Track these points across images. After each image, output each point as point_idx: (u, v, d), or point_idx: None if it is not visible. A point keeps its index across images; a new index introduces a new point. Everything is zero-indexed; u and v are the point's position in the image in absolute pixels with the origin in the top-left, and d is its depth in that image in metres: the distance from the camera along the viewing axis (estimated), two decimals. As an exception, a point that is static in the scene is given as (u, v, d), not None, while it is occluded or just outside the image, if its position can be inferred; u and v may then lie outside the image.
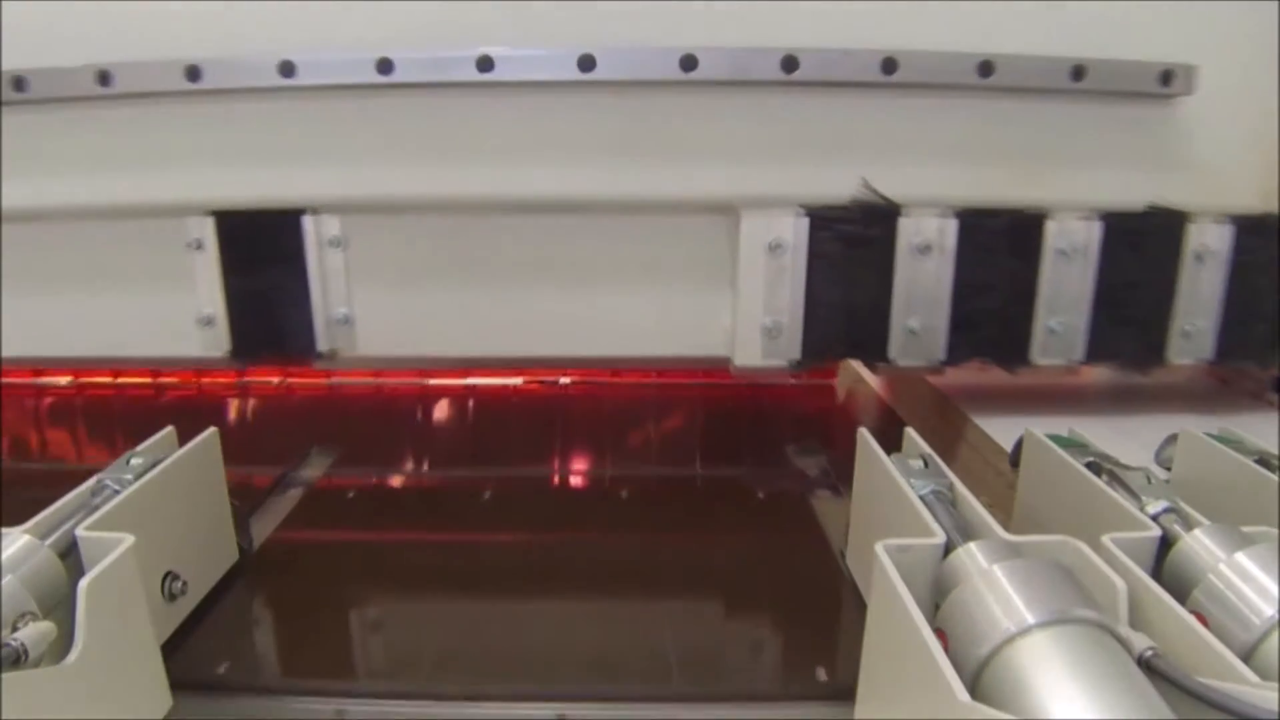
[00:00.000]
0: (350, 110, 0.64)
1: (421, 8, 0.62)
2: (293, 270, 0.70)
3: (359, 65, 0.61)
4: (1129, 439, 0.65)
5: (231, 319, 0.71)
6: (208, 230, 0.69)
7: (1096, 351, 0.70)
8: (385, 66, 0.61)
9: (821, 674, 0.47)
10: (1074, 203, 0.67)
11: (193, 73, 0.62)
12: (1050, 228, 0.67)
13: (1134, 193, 0.67)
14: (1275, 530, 0.41)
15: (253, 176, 0.67)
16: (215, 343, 0.72)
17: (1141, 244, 0.68)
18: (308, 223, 0.69)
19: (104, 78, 0.63)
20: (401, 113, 0.64)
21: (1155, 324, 0.70)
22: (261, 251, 0.70)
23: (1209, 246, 0.68)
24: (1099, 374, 0.75)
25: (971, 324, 0.69)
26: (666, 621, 0.54)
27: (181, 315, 0.71)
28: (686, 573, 0.60)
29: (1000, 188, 0.66)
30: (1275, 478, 0.48)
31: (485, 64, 0.61)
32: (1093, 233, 0.67)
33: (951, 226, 0.66)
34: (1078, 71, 0.62)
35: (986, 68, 0.61)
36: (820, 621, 0.54)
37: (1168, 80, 0.63)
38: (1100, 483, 0.49)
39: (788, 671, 0.50)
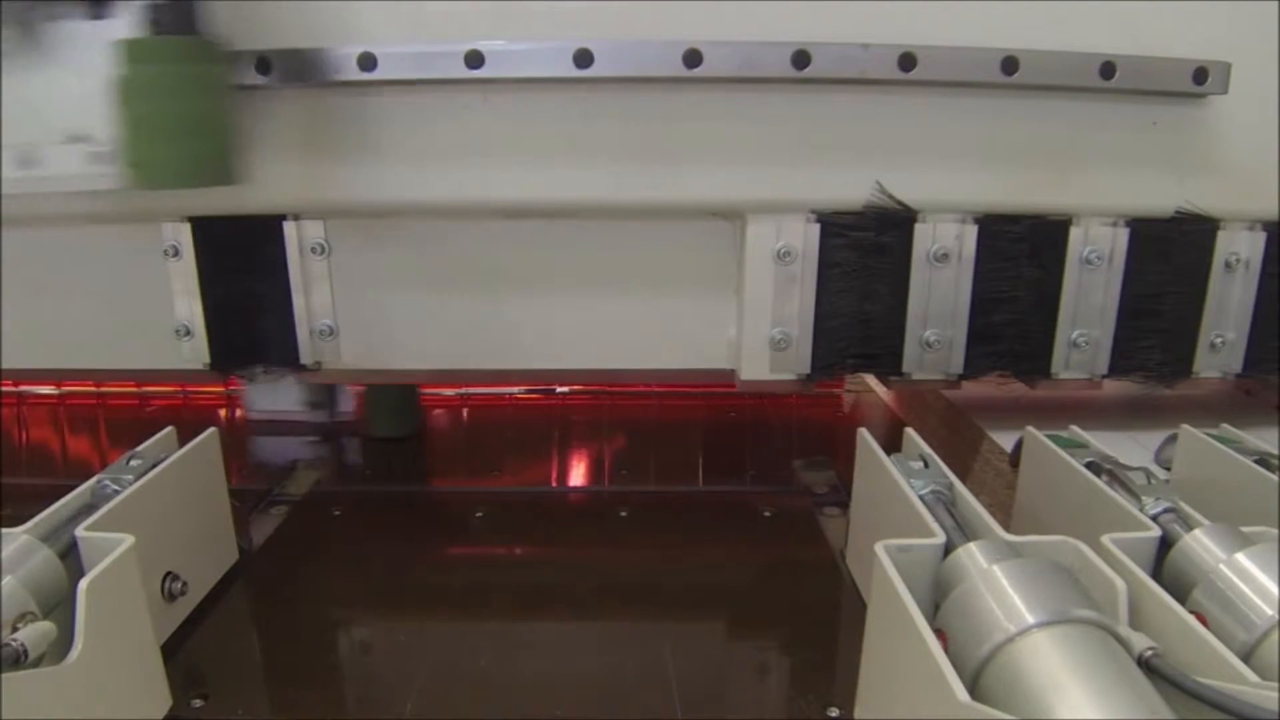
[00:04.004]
0: (333, 109, 0.61)
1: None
2: (273, 279, 0.67)
3: (340, 61, 0.58)
4: (1148, 453, 0.64)
5: (210, 330, 0.68)
6: (184, 236, 0.66)
7: (1120, 364, 0.68)
8: (368, 62, 0.57)
9: (834, 712, 0.46)
10: (1100, 208, 0.64)
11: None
12: (1075, 234, 0.64)
13: (1162, 198, 0.65)
14: (1275, 530, 0.41)
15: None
16: (194, 355, 0.69)
17: (1169, 251, 0.66)
18: (289, 228, 0.66)
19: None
20: (387, 111, 0.61)
21: (1182, 335, 0.68)
22: (241, 259, 0.67)
23: (1239, 254, 0.66)
24: (1115, 386, 0.73)
25: (991, 336, 0.66)
26: (668, 646, 0.52)
27: (160, 326, 0.68)
28: (688, 595, 0.59)
29: (1022, 192, 0.64)
30: (1275, 478, 0.48)
31: (475, 60, 0.58)
32: (1119, 240, 0.65)
33: (971, 233, 0.64)
34: (1107, 69, 0.59)
35: (1010, 65, 0.58)
36: (826, 651, 0.53)
37: (1201, 78, 0.60)
38: (1100, 483, 0.49)
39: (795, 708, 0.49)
